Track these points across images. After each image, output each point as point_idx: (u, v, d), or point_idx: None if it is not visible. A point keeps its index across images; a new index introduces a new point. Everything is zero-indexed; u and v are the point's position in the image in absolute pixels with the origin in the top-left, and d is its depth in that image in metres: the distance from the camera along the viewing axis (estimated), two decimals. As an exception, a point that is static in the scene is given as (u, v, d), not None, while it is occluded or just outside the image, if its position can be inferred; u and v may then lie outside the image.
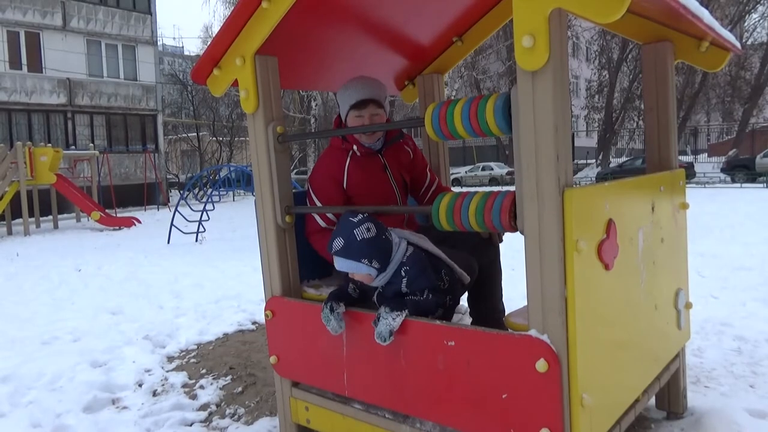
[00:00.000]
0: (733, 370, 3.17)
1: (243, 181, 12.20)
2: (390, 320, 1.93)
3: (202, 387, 3.39)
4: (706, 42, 2.42)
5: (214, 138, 36.32)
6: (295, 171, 30.66)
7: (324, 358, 2.23)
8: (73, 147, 21.95)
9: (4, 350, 4.20)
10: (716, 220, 9.65)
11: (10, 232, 14.45)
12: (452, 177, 20.27)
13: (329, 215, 2.45)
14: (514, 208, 1.72)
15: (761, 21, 30.92)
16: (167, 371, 3.68)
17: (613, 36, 25.79)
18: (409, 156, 2.71)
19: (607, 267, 1.80)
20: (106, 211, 16.41)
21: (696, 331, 3.61)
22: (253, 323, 4.73)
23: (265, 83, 2.29)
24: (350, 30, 2.54)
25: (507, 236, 2.38)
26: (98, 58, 23.79)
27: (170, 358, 3.95)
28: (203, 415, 3.03)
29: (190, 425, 2.92)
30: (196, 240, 10.79)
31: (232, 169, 12.41)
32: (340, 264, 2.10)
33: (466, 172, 31.97)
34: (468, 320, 2.70)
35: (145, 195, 23.01)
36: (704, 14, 1.98)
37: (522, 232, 1.68)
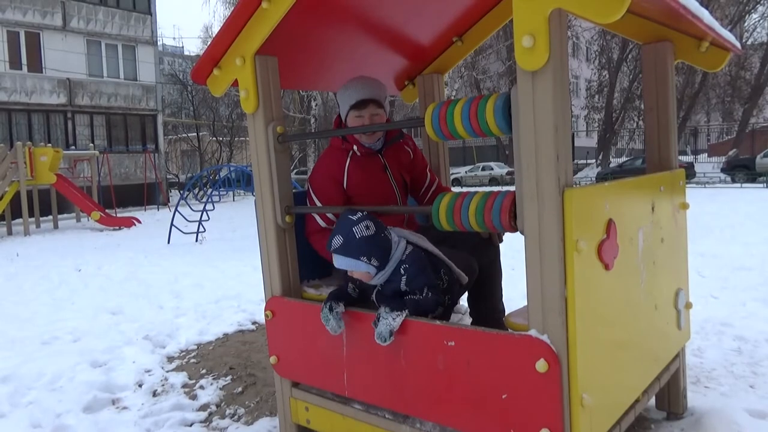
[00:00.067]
0: (733, 370, 3.17)
1: (243, 181, 12.20)
2: (390, 320, 1.93)
3: (202, 387, 3.39)
4: (706, 42, 2.42)
5: (214, 138, 36.32)
6: (295, 171, 30.66)
7: (324, 359, 2.23)
8: (73, 147, 21.96)
9: (4, 350, 4.20)
10: (716, 220, 9.65)
11: (10, 232, 14.45)
12: (452, 177, 20.25)
13: (329, 215, 2.45)
14: (514, 208, 1.72)
15: (761, 21, 30.95)
16: (167, 371, 3.68)
17: (613, 36, 25.80)
18: (409, 156, 2.71)
19: (607, 267, 1.80)
20: (106, 211, 16.41)
21: (696, 331, 3.61)
22: (253, 323, 4.73)
23: (265, 83, 2.29)
24: (350, 30, 2.54)
25: (507, 236, 2.38)
26: (98, 58, 23.79)
27: (170, 358, 3.95)
28: (203, 415, 3.03)
29: (190, 425, 2.92)
30: (196, 240, 10.79)
31: (232, 169, 12.41)
32: (339, 262, 2.10)
33: (466, 172, 31.97)
34: (468, 320, 2.70)
35: (145, 195, 23.02)
36: (704, 14, 1.98)
37: (522, 232, 1.68)
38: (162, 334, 4.41)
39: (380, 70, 2.89)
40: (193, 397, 3.25)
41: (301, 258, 2.48)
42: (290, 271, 2.44)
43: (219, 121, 35.98)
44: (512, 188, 1.75)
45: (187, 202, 12.15)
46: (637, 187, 2.12)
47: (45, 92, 22.03)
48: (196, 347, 4.17)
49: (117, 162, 23.71)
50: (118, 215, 17.19)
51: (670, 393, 2.62)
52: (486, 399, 1.77)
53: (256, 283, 5.86)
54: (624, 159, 30.45)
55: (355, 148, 2.51)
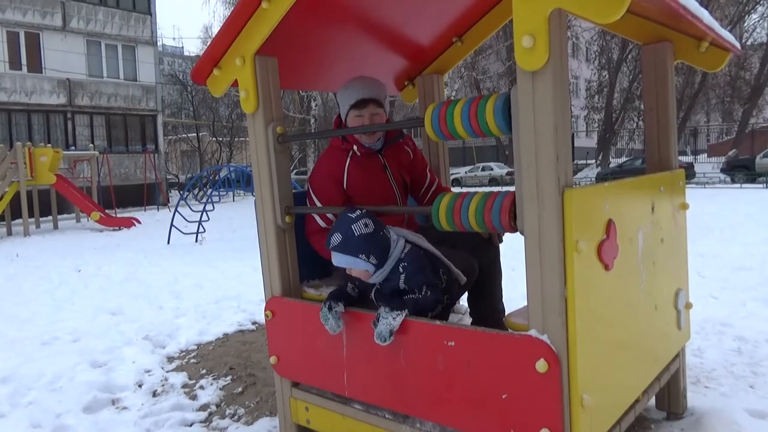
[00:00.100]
0: (733, 370, 3.17)
1: (243, 182, 12.20)
2: (390, 320, 1.93)
3: (202, 387, 3.39)
4: (706, 42, 2.42)
5: (214, 138, 36.32)
6: (294, 171, 30.66)
7: (324, 359, 2.23)
8: (73, 147, 21.96)
9: (4, 351, 4.20)
10: (716, 221, 9.65)
11: (9, 233, 14.45)
12: (452, 177, 20.26)
13: (329, 215, 2.45)
14: (513, 208, 1.72)
15: (761, 21, 30.95)
16: (167, 371, 3.68)
17: (613, 36, 25.80)
18: (409, 156, 2.71)
19: (607, 267, 1.80)
20: (106, 211, 16.40)
21: (696, 331, 3.61)
22: (253, 323, 4.73)
23: (264, 83, 2.29)
24: (350, 30, 2.54)
25: (507, 236, 2.38)
26: (98, 58, 23.80)
27: (170, 359, 3.95)
28: (203, 415, 3.03)
29: (190, 425, 2.92)
30: (196, 240, 10.79)
31: (231, 169, 12.40)
32: (338, 259, 2.10)
33: (465, 172, 31.97)
34: (468, 320, 2.70)
35: (145, 195, 23.01)
36: (704, 14, 1.98)
37: (522, 233, 1.68)
38: (162, 334, 4.41)
39: (380, 70, 2.89)
40: (193, 398, 3.25)
41: (301, 258, 2.48)
42: (290, 271, 2.44)
43: (219, 121, 35.99)
44: (512, 188, 1.75)
45: (186, 203, 12.15)
46: (637, 187, 2.12)
47: (45, 92, 22.04)
48: (196, 347, 4.17)
49: (117, 162, 23.71)
50: (118, 216, 17.18)
51: (670, 393, 2.62)
52: (486, 399, 1.77)
53: (256, 283, 5.86)
54: (624, 159, 30.45)
55: (355, 148, 2.51)
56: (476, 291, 2.56)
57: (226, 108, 35.48)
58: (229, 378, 3.52)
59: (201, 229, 10.90)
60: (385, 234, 2.11)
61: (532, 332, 1.67)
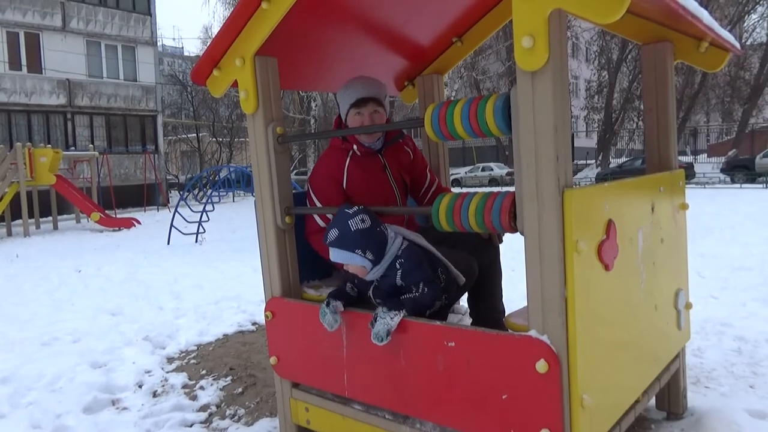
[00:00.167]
0: (733, 370, 3.17)
1: (243, 182, 12.20)
2: (388, 320, 1.93)
3: (202, 388, 3.39)
4: (706, 42, 2.42)
5: (214, 139, 36.33)
6: (294, 172, 30.66)
7: (324, 359, 2.23)
8: (73, 148, 21.97)
9: (4, 351, 4.20)
10: (716, 221, 9.65)
11: (9, 234, 14.45)
12: (452, 177, 20.27)
13: (329, 215, 2.45)
14: (513, 208, 1.72)
15: (760, 21, 30.94)
16: (167, 372, 3.68)
17: (613, 36, 25.80)
18: (409, 156, 2.71)
19: (607, 267, 1.80)
20: (106, 212, 16.41)
21: (696, 331, 3.61)
22: (253, 324, 4.73)
23: (264, 84, 2.29)
24: (350, 30, 2.54)
25: (507, 237, 2.38)
26: (98, 58, 23.80)
27: (170, 359, 3.95)
28: (203, 416, 3.03)
29: (191, 426, 2.92)
30: (196, 241, 10.79)
31: (231, 169, 12.40)
32: (335, 255, 2.11)
33: (465, 172, 31.98)
34: (468, 321, 2.70)
35: (145, 196, 23.01)
36: (704, 15, 1.98)
37: (522, 233, 1.68)
38: (162, 334, 4.41)
39: (380, 70, 2.89)
40: (193, 398, 3.25)
41: (301, 259, 2.48)
42: (290, 271, 2.44)
43: (219, 121, 36.01)
44: (512, 189, 1.75)
45: (186, 203, 12.15)
46: (637, 187, 2.12)
47: (45, 93, 22.04)
48: (196, 348, 4.17)
49: (117, 163, 23.71)
50: (118, 216, 17.18)
51: (670, 393, 2.62)
52: (486, 399, 1.77)
53: (255, 283, 5.86)
54: (624, 159, 30.45)
55: (354, 147, 2.51)
56: (476, 291, 2.56)
57: (226, 108, 35.50)
58: (229, 378, 3.52)
59: (201, 230, 10.90)
60: (382, 230, 2.11)
61: (532, 333, 1.67)
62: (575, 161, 31.98)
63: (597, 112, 32.28)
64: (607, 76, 29.84)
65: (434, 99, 3.02)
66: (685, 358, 2.66)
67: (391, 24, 2.60)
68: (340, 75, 2.81)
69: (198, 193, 21.58)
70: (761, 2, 27.46)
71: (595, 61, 31.55)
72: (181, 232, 11.02)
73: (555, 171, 1.57)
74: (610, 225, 1.81)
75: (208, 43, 2.38)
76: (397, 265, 2.08)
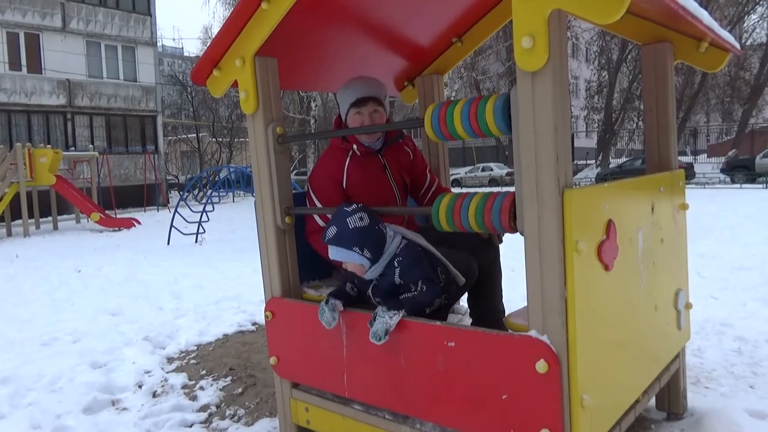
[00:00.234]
0: (733, 370, 3.17)
1: (243, 182, 12.19)
2: (387, 319, 1.94)
3: (202, 388, 3.39)
4: (706, 43, 2.42)
5: (214, 139, 36.34)
6: (294, 172, 30.67)
7: (324, 359, 2.23)
8: (73, 148, 21.97)
9: (3, 352, 4.20)
10: (716, 221, 9.65)
11: (9, 234, 14.45)
12: (452, 178, 20.27)
13: (329, 215, 2.45)
14: (513, 208, 1.72)
15: (760, 21, 30.94)
16: (167, 372, 3.68)
17: (613, 37, 25.81)
18: (409, 157, 2.71)
19: (606, 268, 1.80)
20: (106, 212, 16.41)
21: (696, 331, 3.61)
22: (253, 324, 4.73)
23: (264, 84, 2.29)
24: (350, 30, 2.54)
25: (507, 237, 2.38)
26: (98, 59, 23.80)
27: (170, 359, 3.95)
28: (203, 416, 3.03)
29: (190, 426, 2.92)
30: (196, 241, 10.79)
31: (231, 170, 12.41)
32: (333, 253, 2.12)
33: (465, 172, 31.99)
34: (468, 321, 2.70)
35: (145, 196, 23.01)
36: (703, 15, 1.98)
37: (522, 233, 1.68)
38: (162, 335, 4.41)
39: (380, 70, 2.89)
40: (193, 398, 3.25)
41: (301, 259, 2.48)
42: (290, 272, 2.44)
43: (219, 122, 36.01)
44: (512, 189, 1.75)
45: (186, 203, 12.15)
46: (637, 187, 2.12)
47: (44, 93, 22.04)
48: (195, 348, 4.17)
49: (117, 163, 23.71)
50: (118, 216, 17.18)
51: (670, 393, 2.62)
52: (486, 399, 1.77)
53: (255, 284, 5.86)
54: (624, 159, 30.45)
55: (354, 147, 2.51)
56: (476, 291, 2.56)
57: (226, 109, 35.51)
58: (229, 379, 3.52)
59: (201, 230, 10.90)
60: (381, 229, 2.11)
61: (532, 333, 1.67)
62: (575, 161, 31.98)
63: (597, 112, 32.29)
64: (607, 76, 29.84)
65: (434, 99, 3.02)
66: (685, 359, 2.66)
67: (391, 24, 2.60)
68: (340, 75, 2.81)
69: (198, 193, 21.59)
70: (761, 2, 27.46)
71: (595, 61, 31.55)
72: (181, 232, 11.02)
73: (555, 171, 1.57)
74: (610, 225, 1.81)
75: (208, 44, 2.39)
76: (396, 263, 2.08)
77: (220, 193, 13.94)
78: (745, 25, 30.32)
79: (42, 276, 7.69)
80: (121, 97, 24.37)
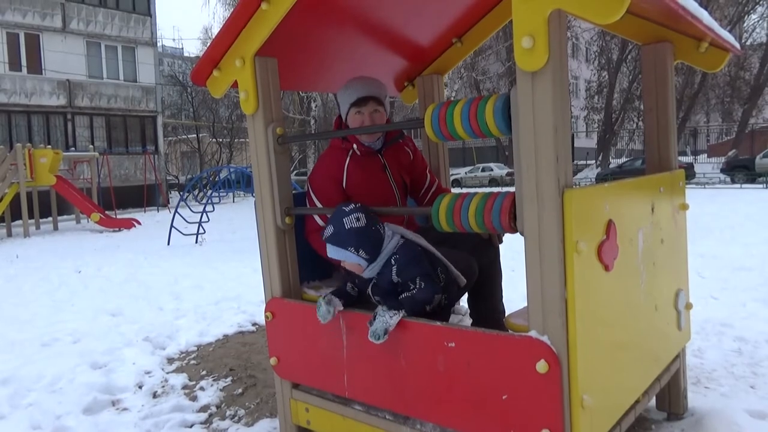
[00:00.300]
0: (733, 370, 3.17)
1: (243, 183, 12.20)
2: (387, 318, 1.94)
3: (202, 388, 3.39)
4: (706, 43, 2.42)
5: (214, 139, 36.34)
6: (294, 172, 30.67)
7: (324, 360, 2.23)
8: (73, 148, 21.97)
9: (3, 352, 4.20)
10: (716, 221, 9.65)
11: (9, 234, 14.44)
12: (452, 178, 20.24)
13: (329, 215, 2.45)
14: (513, 209, 1.72)
15: (760, 21, 30.95)
16: (167, 373, 3.68)
17: (613, 37, 25.81)
18: (409, 157, 2.71)
19: (607, 268, 1.80)
20: (106, 212, 16.41)
21: (696, 331, 3.60)
22: (253, 324, 4.73)
23: (264, 84, 2.29)
24: (350, 31, 2.54)
25: (507, 237, 2.38)
26: (98, 59, 23.80)
27: (170, 360, 3.95)
28: (203, 416, 3.03)
29: (191, 427, 2.92)
30: (196, 241, 10.79)
31: (231, 170, 12.41)
32: (331, 251, 2.13)
33: (465, 173, 31.98)
34: (468, 321, 2.70)
35: (145, 196, 23.02)
36: (703, 15, 1.98)
37: (522, 234, 1.68)
38: (162, 335, 4.41)
39: (380, 70, 2.89)
40: (194, 399, 3.25)
41: (301, 259, 2.48)
42: (290, 272, 2.44)
43: (219, 122, 36.02)
44: (512, 189, 1.75)
45: (186, 204, 12.15)
46: (637, 188, 2.12)
47: (45, 94, 22.04)
48: (196, 348, 4.17)
49: (117, 163, 23.72)
50: (118, 217, 17.18)
51: (670, 394, 2.62)
52: (486, 400, 1.77)
53: (256, 284, 5.86)
54: (624, 160, 30.45)
55: (354, 147, 2.51)
56: (476, 291, 2.56)
57: (226, 109, 35.52)
58: (229, 379, 3.52)
59: (201, 230, 10.90)
60: (378, 229, 2.11)
61: (533, 333, 1.67)
62: (575, 161, 31.97)
63: (597, 113, 32.29)
64: (607, 77, 29.84)
65: (434, 99, 3.02)
66: (685, 359, 2.66)
67: (391, 24, 2.60)
68: (340, 75, 2.81)
69: (198, 193, 21.59)
70: (761, 2, 27.47)
71: (595, 61, 31.55)
72: (181, 232, 11.02)
73: (555, 171, 1.57)
74: (610, 225, 1.81)
75: (208, 44, 2.39)
76: (392, 261, 2.09)
77: (220, 194, 13.95)
78: (745, 25, 30.33)
79: (42, 276, 7.69)
80: (121, 98, 24.37)
